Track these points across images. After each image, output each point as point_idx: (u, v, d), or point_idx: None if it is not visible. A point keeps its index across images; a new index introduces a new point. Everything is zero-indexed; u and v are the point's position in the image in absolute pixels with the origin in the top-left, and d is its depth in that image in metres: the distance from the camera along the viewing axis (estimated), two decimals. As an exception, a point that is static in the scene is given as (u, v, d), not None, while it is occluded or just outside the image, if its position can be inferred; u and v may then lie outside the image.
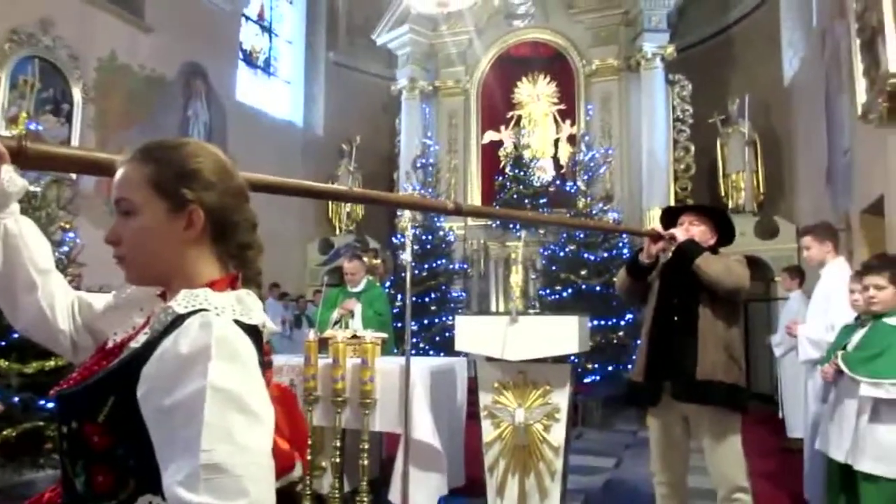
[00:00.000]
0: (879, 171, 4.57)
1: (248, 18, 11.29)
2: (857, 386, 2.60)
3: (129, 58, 8.31)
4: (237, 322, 0.90)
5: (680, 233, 2.95)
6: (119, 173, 0.98)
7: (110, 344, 1.01)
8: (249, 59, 11.38)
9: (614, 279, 3.32)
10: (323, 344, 3.97)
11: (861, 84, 4.53)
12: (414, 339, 8.60)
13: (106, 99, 7.99)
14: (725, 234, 3.10)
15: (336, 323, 4.67)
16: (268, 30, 11.94)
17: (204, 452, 0.78)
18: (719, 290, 2.80)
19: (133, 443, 0.86)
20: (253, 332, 0.93)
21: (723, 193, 9.85)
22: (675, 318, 2.90)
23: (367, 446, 3.73)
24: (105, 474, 0.88)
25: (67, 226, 4.91)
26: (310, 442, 3.81)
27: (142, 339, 0.92)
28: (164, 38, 8.74)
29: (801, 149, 8.54)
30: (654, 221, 8.27)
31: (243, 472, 0.79)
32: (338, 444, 3.84)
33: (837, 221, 5.66)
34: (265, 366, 0.97)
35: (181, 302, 0.90)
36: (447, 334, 8.28)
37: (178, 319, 0.88)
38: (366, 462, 3.73)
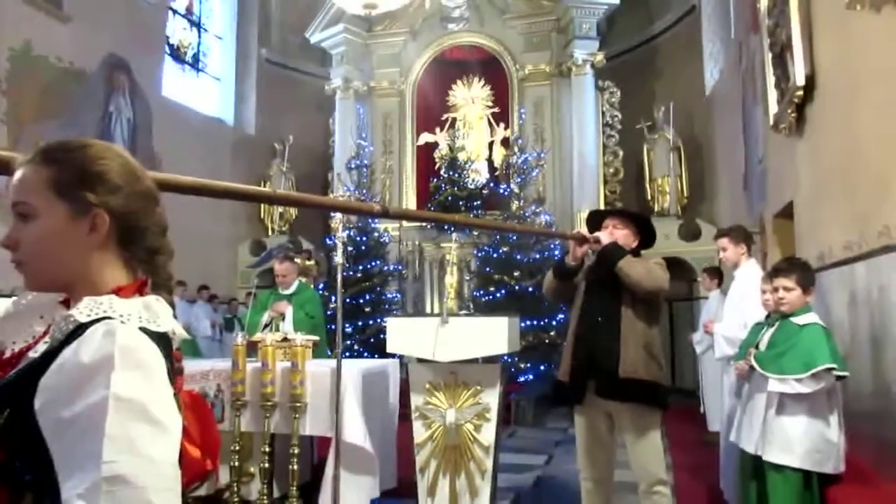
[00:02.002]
0: (789, 179, 4.85)
1: (175, 12, 10.92)
2: (767, 381, 2.75)
3: (46, 49, 7.89)
4: (144, 330, 0.88)
5: (604, 236, 3.05)
6: (17, 175, 0.93)
7: (7, 354, 0.96)
8: (177, 54, 11.00)
9: (546, 280, 3.39)
10: (253, 347, 3.89)
11: (773, 95, 4.80)
12: (348, 342, 8.55)
13: (19, 91, 7.55)
14: (647, 237, 3.22)
15: (266, 326, 4.58)
16: (196, 24, 11.59)
17: (105, 464, 0.75)
18: (640, 292, 2.91)
19: (30, 457, 0.82)
20: (162, 339, 0.91)
21: (649, 197, 10.23)
22: (599, 319, 2.99)
23: (297, 451, 3.68)
24: None
25: (-26, 226, 4.63)
26: (237, 448, 3.73)
27: (41, 348, 0.88)
28: (84, 29, 8.34)
29: (721, 155, 8.97)
30: (584, 223, 8.50)
31: (146, 484, 0.77)
32: (267, 450, 3.77)
33: (753, 225, 5.97)
34: (175, 373, 0.94)
35: (83, 310, 0.87)
36: (382, 336, 8.23)
37: (81, 328, 0.85)
38: (296, 467, 3.67)
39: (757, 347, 2.95)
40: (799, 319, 2.81)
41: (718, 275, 6.13)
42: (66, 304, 0.98)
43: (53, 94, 7.99)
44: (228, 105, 11.75)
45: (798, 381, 2.63)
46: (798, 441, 2.64)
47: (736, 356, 3.23)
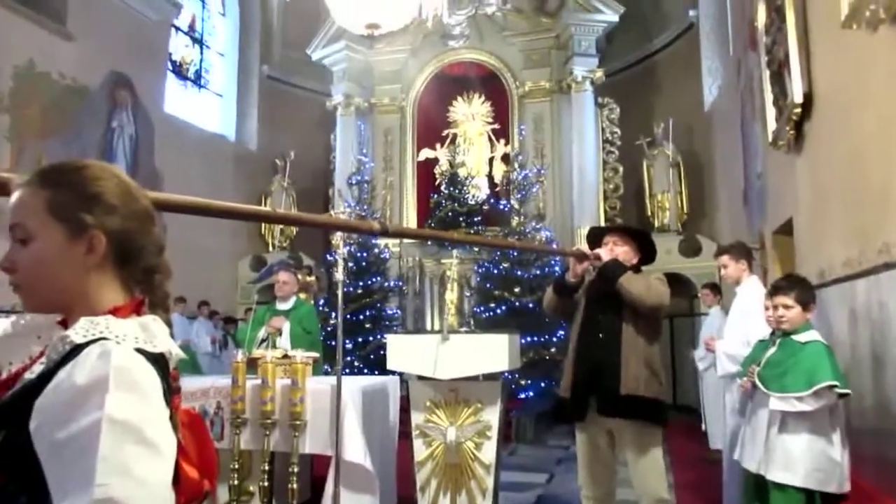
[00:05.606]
0: (789, 195, 4.85)
1: (178, 29, 11.02)
2: (769, 399, 2.73)
3: (49, 66, 7.95)
4: (140, 350, 0.88)
5: (604, 253, 3.05)
6: (14, 197, 0.94)
7: (3, 375, 0.96)
8: (179, 71, 11.09)
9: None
10: (252, 364, 3.87)
11: (771, 112, 4.82)
12: (348, 358, 8.51)
13: (23, 108, 7.60)
14: (647, 253, 3.22)
15: (263, 342, 4.56)
16: (199, 41, 11.68)
17: (98, 487, 0.75)
18: (641, 308, 2.90)
19: (25, 479, 0.82)
20: (158, 360, 0.90)
21: (649, 213, 10.24)
22: (600, 335, 2.98)
23: (296, 469, 3.65)
24: (-5, 513, 0.84)
25: (-25, 242, 4.63)
26: (236, 466, 3.70)
27: (37, 369, 0.88)
28: (88, 47, 8.41)
29: (720, 171, 8.98)
30: (584, 240, 8.49)
31: None
32: (266, 468, 3.74)
33: (753, 241, 5.97)
34: (173, 392, 0.94)
35: (79, 330, 0.87)
36: (382, 352, 8.19)
37: (77, 349, 0.85)
38: (295, 485, 3.64)
39: (759, 365, 2.93)
40: (800, 337, 2.79)
41: (719, 291, 6.12)
42: (64, 324, 0.98)
43: (56, 111, 8.03)
44: (230, 121, 11.82)
45: (799, 399, 2.61)
46: (800, 460, 2.62)
47: (739, 373, 3.21)
